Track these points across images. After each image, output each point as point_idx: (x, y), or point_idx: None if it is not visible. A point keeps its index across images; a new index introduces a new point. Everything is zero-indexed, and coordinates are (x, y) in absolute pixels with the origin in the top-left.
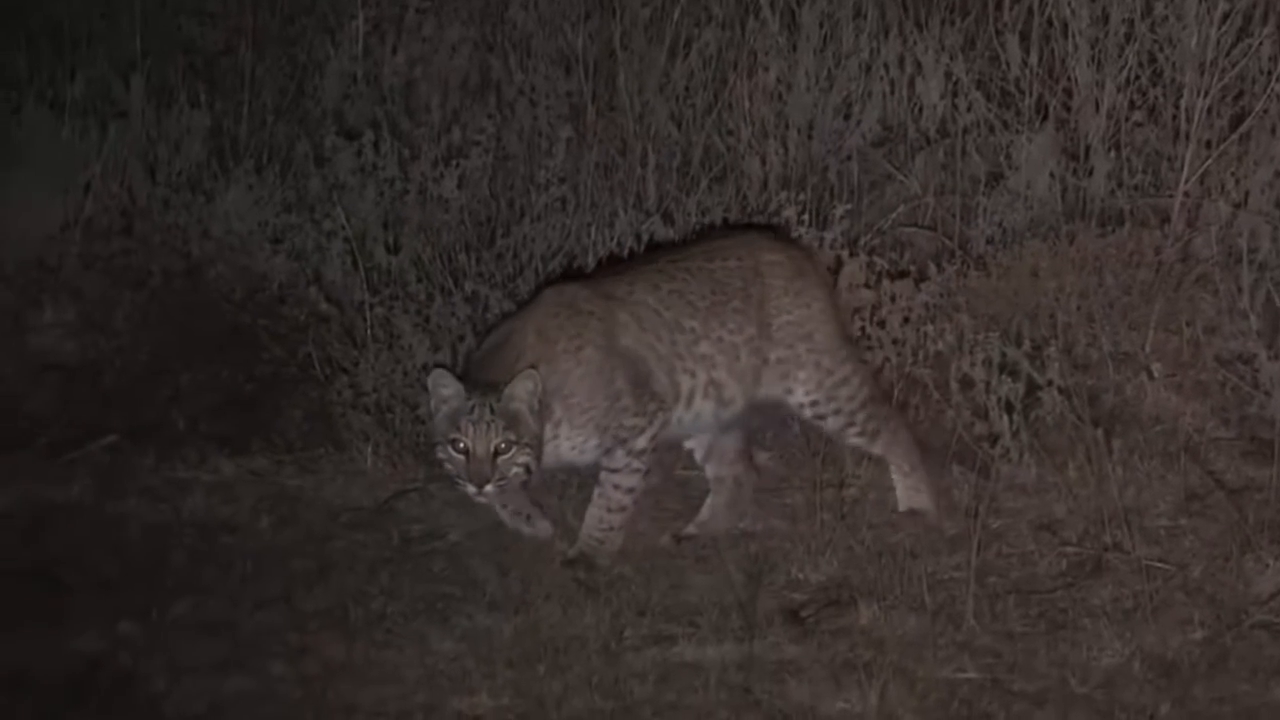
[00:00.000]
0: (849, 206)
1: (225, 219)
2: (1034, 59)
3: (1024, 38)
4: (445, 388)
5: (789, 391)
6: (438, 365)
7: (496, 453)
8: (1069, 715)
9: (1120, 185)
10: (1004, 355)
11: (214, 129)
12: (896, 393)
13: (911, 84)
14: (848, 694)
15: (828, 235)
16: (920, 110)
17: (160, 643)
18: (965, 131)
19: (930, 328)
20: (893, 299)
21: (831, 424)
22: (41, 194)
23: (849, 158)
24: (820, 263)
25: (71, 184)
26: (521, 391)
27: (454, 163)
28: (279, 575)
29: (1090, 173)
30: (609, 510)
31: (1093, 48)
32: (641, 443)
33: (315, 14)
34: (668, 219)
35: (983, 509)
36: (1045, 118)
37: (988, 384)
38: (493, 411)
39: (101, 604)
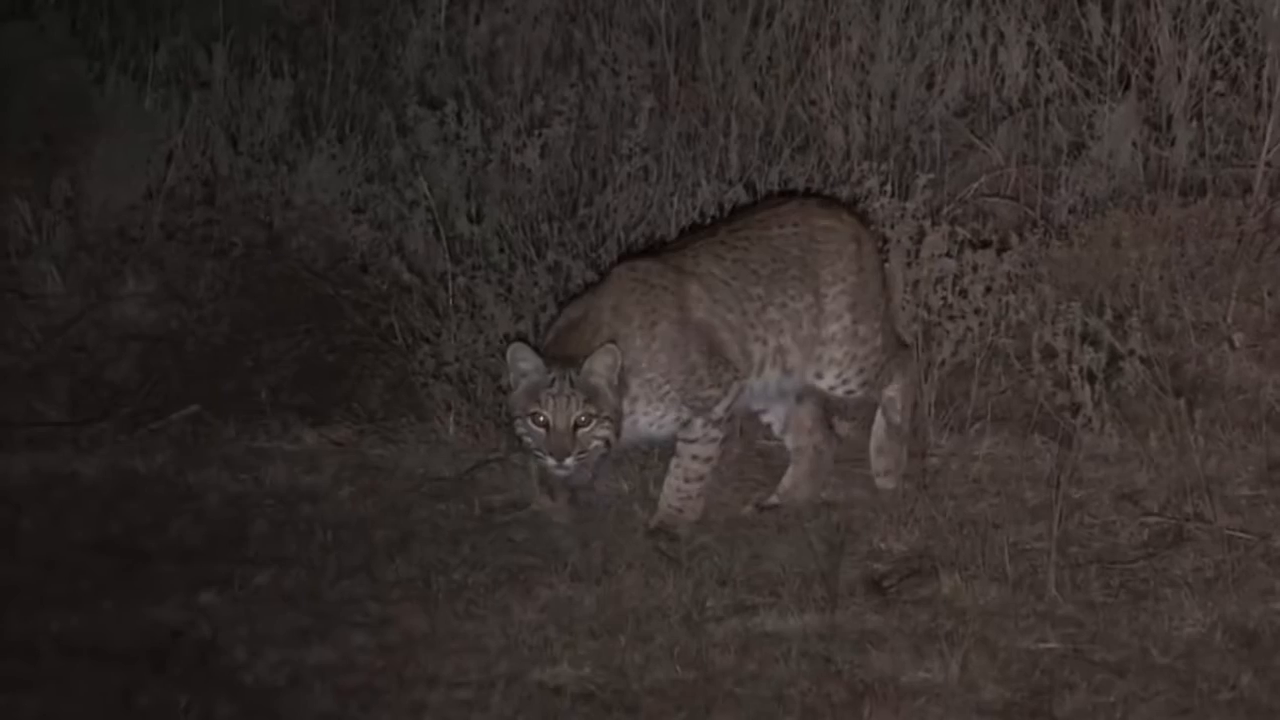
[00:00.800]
0: (931, 176)
1: (308, 189)
2: (1116, 28)
3: (1106, 7)
4: (525, 362)
5: (819, 375)
6: (518, 339)
7: (576, 426)
8: (1150, 685)
9: (1202, 155)
10: (1086, 325)
11: (297, 98)
12: (979, 364)
13: (994, 53)
14: (929, 664)
15: (910, 205)
16: (1003, 80)
17: (241, 613)
18: (1047, 101)
19: (1012, 297)
20: (975, 269)
21: (857, 394)
22: (124, 163)
23: (931, 127)
24: (870, 231)
25: (154, 154)
26: (600, 366)
27: (536, 132)
28: (360, 545)
29: (1172, 142)
30: (686, 480)
31: (1175, 17)
32: (718, 412)
33: None
34: (750, 189)
35: (1064, 479)
36: (1127, 87)
37: (1070, 354)
38: (573, 385)
39: (183, 574)
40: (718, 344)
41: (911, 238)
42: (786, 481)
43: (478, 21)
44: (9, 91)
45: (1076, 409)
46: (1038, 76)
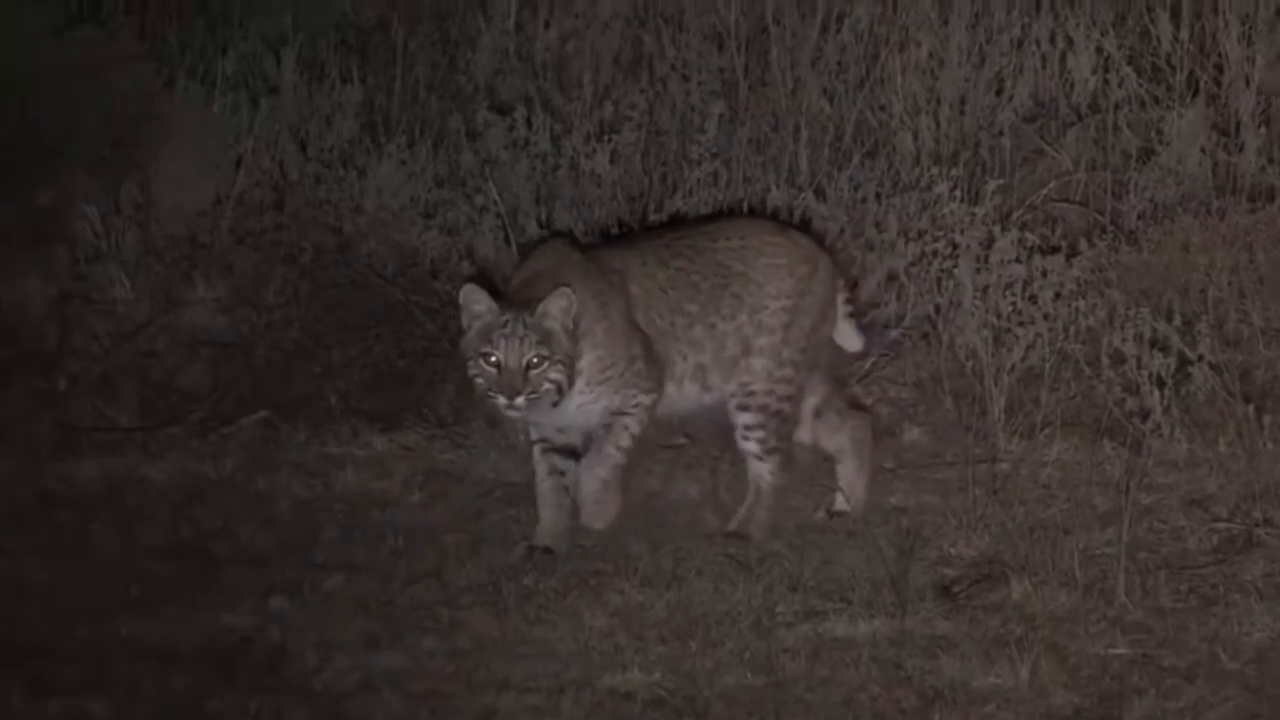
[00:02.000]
0: (1001, 182)
1: (377, 194)
2: (1185, 34)
3: (1174, 13)
4: (478, 304)
5: (733, 378)
6: (469, 281)
7: (529, 367)
8: (1219, 691)
9: (1271, 161)
10: (1155, 330)
11: (366, 104)
12: (1048, 369)
13: (1063, 59)
14: (999, 669)
15: (979, 210)
16: (1072, 86)
17: (311, 618)
18: (1116, 107)
19: (1081, 303)
20: (1044, 274)
21: (744, 418)
22: (193, 169)
23: (1001, 133)
24: (826, 257)
25: (223, 159)
26: (555, 309)
27: (606, 138)
28: (431, 550)
29: (1241, 148)
30: (616, 448)
31: (1243, 23)
32: (648, 400)
33: None
34: (820, 194)
35: (1134, 484)
36: (1196, 93)
37: (1139, 359)
38: (526, 326)
39: (253, 579)
40: (648, 349)
41: (981, 243)
42: (843, 484)
43: (547, 26)
44: (78, 97)
45: (1146, 414)
46: (1107, 82)
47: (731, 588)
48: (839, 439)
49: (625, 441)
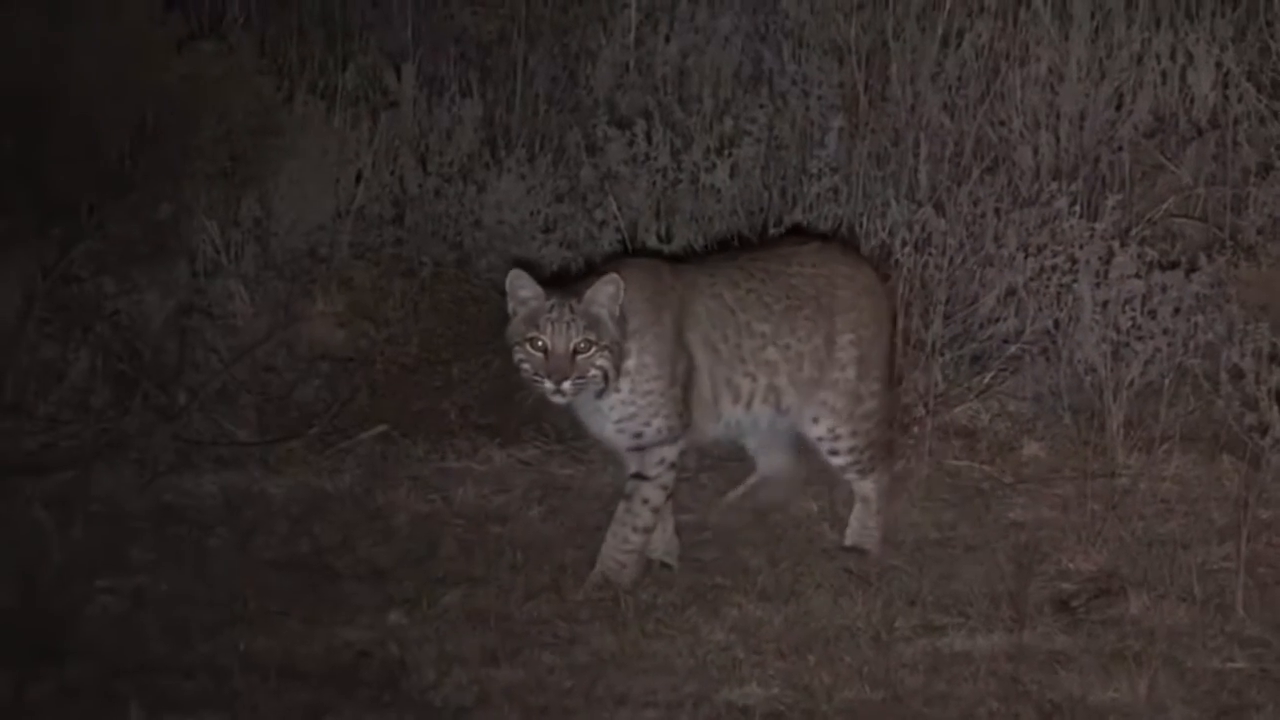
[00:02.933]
0: (1120, 197)
1: (497, 208)
2: None
3: None
4: (525, 289)
5: (815, 419)
6: (516, 265)
7: (575, 352)
8: None
9: None
10: (1274, 345)
11: (486, 118)
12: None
13: (1183, 75)
14: (1117, 684)
15: (1099, 226)
16: (1191, 101)
17: (430, 633)
18: (1236, 122)
19: (1200, 318)
20: (1163, 289)
21: (838, 460)
22: (312, 183)
23: (1120, 148)
24: (883, 283)
25: (342, 173)
26: (603, 296)
27: (726, 152)
28: (549, 565)
29: None
30: (634, 530)
31: None
32: (673, 453)
33: (588, 3)
34: (939, 209)
35: (1252, 499)
36: None
37: (1257, 374)
38: (573, 311)
39: (372, 594)
40: (691, 378)
41: (1100, 258)
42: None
43: (668, 41)
44: (198, 111)
45: (1264, 429)
46: (1226, 97)
47: (850, 602)
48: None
49: (644, 520)
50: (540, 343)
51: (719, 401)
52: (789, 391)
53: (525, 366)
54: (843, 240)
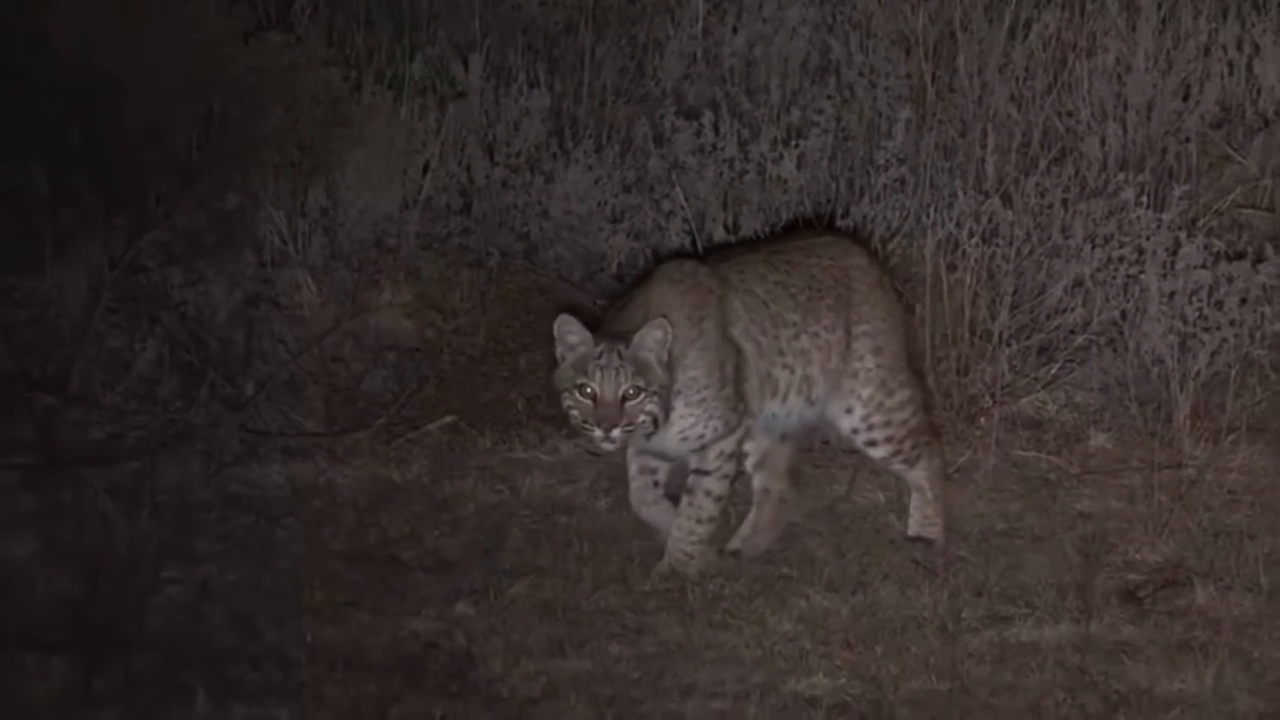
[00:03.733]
0: (1187, 187)
1: (564, 199)
2: None
3: None
4: (573, 335)
5: (848, 410)
6: (564, 312)
7: (624, 398)
8: None
9: None
10: None
11: (553, 109)
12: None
13: (1250, 66)
14: (1183, 674)
15: (1165, 216)
16: (1258, 92)
17: (497, 624)
18: None
19: (1267, 309)
20: (1230, 280)
21: (879, 451)
22: (380, 173)
23: (1187, 139)
24: (891, 277)
25: (410, 164)
26: (651, 340)
27: (794, 143)
28: (616, 555)
29: None
30: (699, 522)
31: None
32: (732, 444)
33: None
34: (1006, 200)
35: None
36: None
37: None
38: (621, 357)
39: (439, 584)
40: (741, 370)
41: (1167, 249)
42: (746, 528)
43: (735, 32)
44: (266, 102)
45: None
46: None
47: (917, 593)
48: (773, 485)
49: (708, 511)
50: (589, 390)
51: (760, 396)
52: (820, 381)
53: (574, 413)
54: (853, 234)
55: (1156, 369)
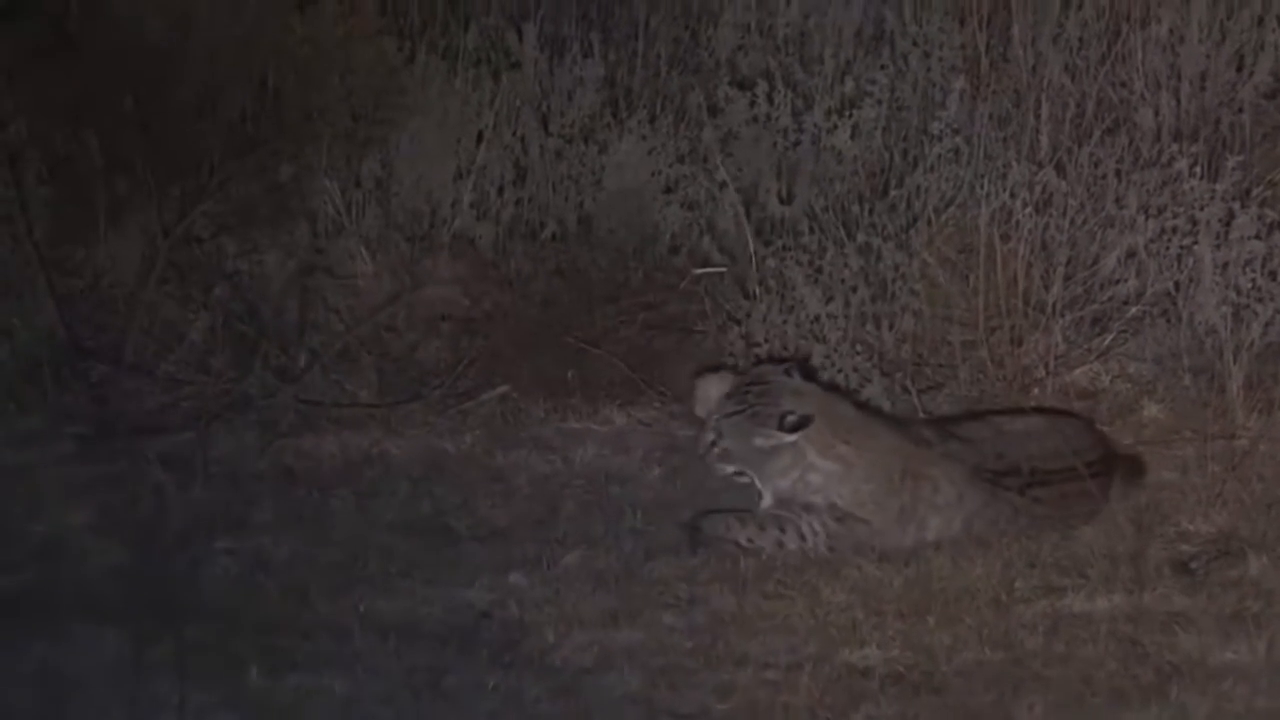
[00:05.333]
0: (1241, 158)
1: (618, 169)
2: None
3: None
4: None
5: None
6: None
7: None
8: None
9: None
10: None
11: (607, 79)
12: None
13: None
14: (1236, 645)
15: (1219, 187)
16: None
17: (550, 594)
18: None
19: None
20: None
21: None
22: (434, 144)
23: (1241, 110)
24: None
25: (464, 134)
26: None
27: (847, 113)
28: (669, 526)
29: None
30: (758, 532)
31: None
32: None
33: None
34: (1060, 170)
35: None
36: None
37: None
38: None
39: (492, 555)
40: None
41: (1221, 220)
42: None
43: (789, 2)
44: (320, 72)
45: None
46: None
47: (970, 564)
48: None
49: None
50: None
51: None
52: None
53: None
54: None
55: (1210, 340)
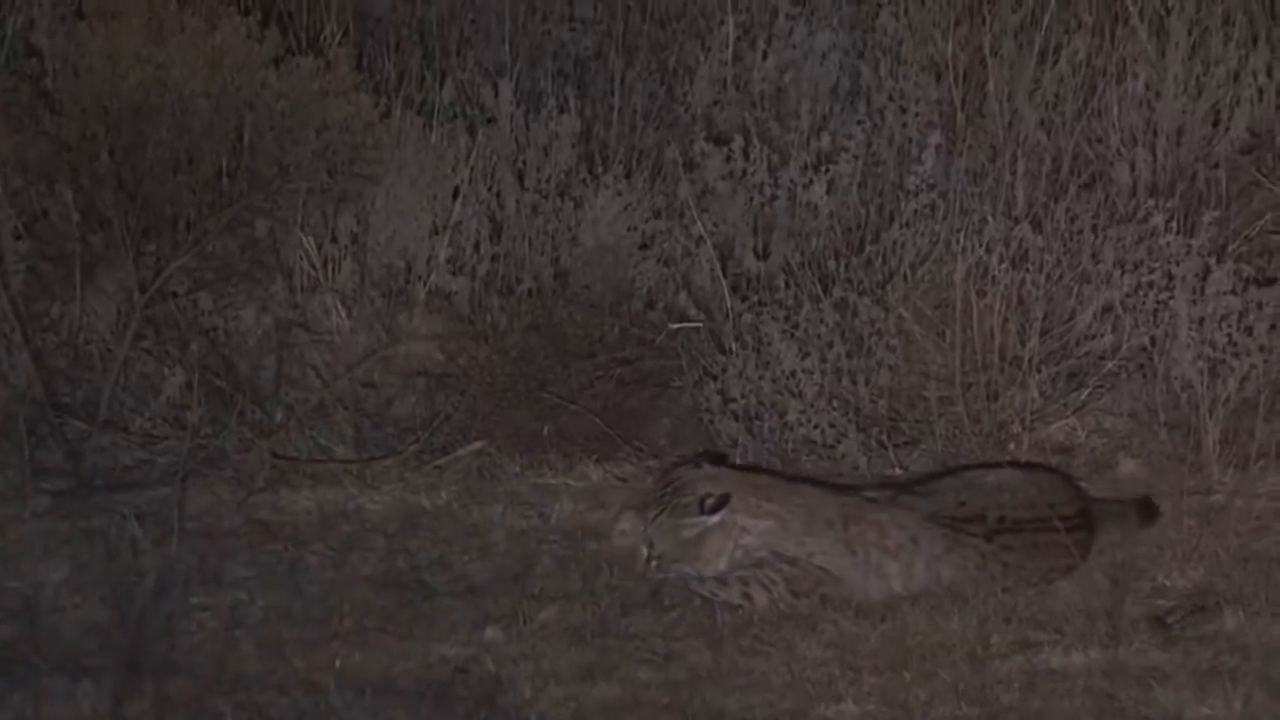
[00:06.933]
0: (1217, 213)
1: (594, 224)
2: None
3: None
4: None
5: None
6: None
7: None
8: None
9: None
10: None
11: (583, 134)
12: (1263, 401)
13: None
14: (1212, 701)
15: (1195, 242)
16: None
17: (526, 649)
18: None
19: None
20: (1259, 306)
21: None
22: (410, 199)
23: (1217, 165)
24: None
25: (440, 189)
26: None
27: (824, 168)
28: (646, 582)
29: None
30: (745, 588)
31: None
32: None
33: (686, 19)
34: (1036, 225)
35: None
36: None
37: None
38: None
39: (468, 610)
40: None
41: (1197, 275)
42: None
43: (765, 57)
44: (295, 127)
45: None
46: None
47: (946, 619)
48: None
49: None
50: None
51: None
52: None
53: None
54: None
55: (1186, 395)
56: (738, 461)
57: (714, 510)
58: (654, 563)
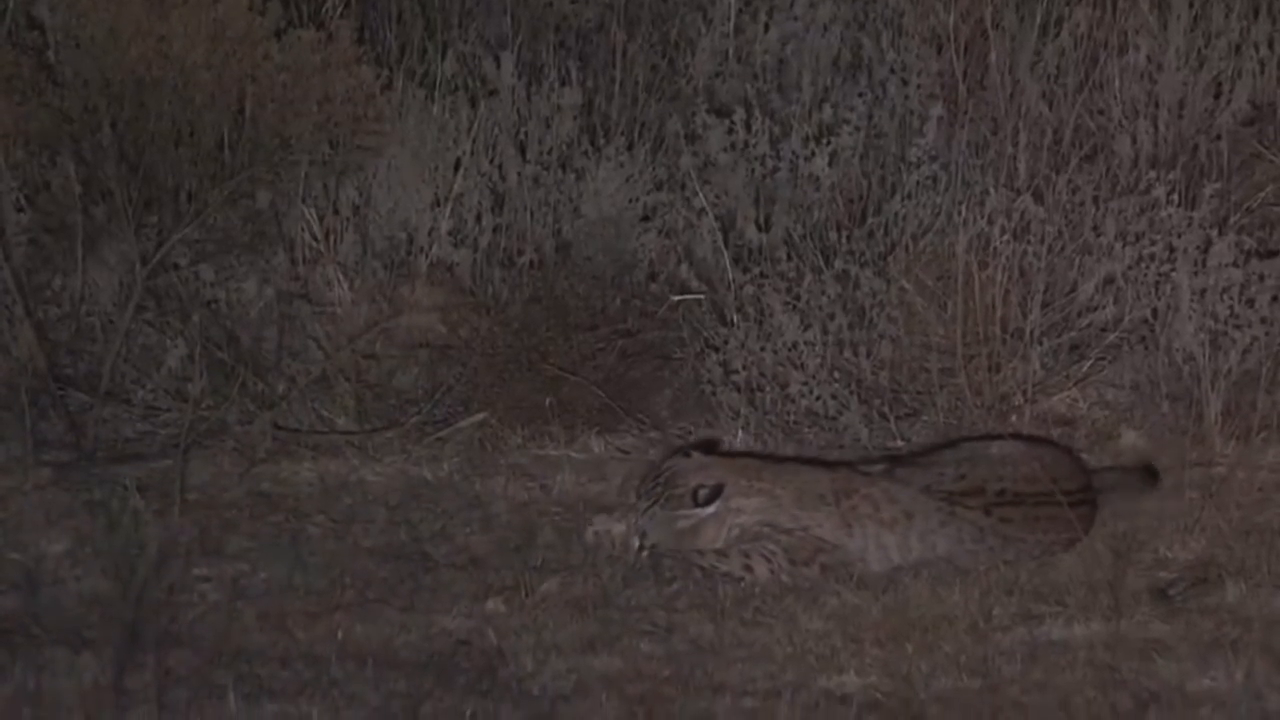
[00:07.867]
0: (1218, 185)
1: (596, 197)
2: None
3: None
4: None
5: None
6: None
7: None
8: None
9: None
10: None
11: (585, 106)
12: (1265, 372)
13: None
14: (1214, 672)
15: (1196, 214)
16: None
17: (528, 621)
18: None
19: None
20: (1261, 278)
21: None
22: (411, 171)
23: (1219, 137)
24: None
25: (441, 161)
26: None
27: (825, 140)
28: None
29: None
30: (741, 559)
31: None
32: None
33: None
34: (1038, 197)
35: None
36: None
37: None
38: None
39: (470, 582)
40: None
41: (1198, 247)
42: None
43: (767, 29)
44: (297, 100)
45: None
46: None
47: (948, 591)
48: None
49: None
50: None
51: None
52: None
53: None
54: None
55: (1188, 366)
56: (739, 434)
57: (709, 501)
58: (645, 553)
